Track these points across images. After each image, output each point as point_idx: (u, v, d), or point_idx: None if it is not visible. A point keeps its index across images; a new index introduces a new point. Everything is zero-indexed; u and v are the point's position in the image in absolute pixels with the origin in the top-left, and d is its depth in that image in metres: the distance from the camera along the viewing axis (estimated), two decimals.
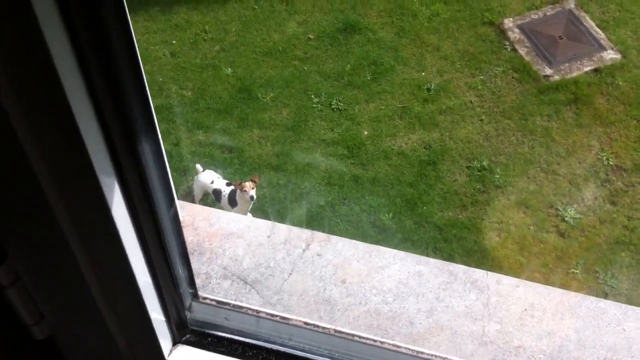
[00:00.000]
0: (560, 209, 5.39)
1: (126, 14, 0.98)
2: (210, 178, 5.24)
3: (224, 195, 5.14)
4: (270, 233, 1.87)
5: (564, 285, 4.97)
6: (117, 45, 0.95)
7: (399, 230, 5.28)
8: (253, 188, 4.98)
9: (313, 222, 5.31)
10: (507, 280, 1.76)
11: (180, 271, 1.35)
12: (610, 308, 1.74)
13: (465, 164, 5.69)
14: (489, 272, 1.75)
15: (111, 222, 1.10)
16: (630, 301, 4.93)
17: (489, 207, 5.45)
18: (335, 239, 1.90)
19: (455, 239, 5.25)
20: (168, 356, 1.43)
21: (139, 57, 1.10)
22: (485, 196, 5.50)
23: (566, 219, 5.33)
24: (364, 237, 5.22)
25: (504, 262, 5.13)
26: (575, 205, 5.43)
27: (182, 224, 1.74)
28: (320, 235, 1.88)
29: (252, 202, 5.04)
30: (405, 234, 5.27)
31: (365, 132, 5.87)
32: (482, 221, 5.36)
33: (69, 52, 0.90)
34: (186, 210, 1.98)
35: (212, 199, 5.29)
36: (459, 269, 1.79)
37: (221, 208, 5.29)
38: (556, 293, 1.78)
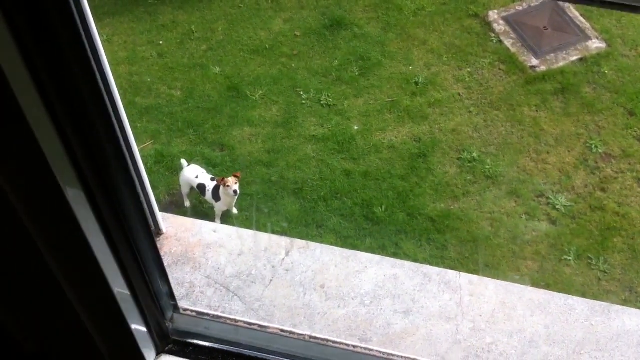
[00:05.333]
0: (551, 197, 5.46)
1: (87, 53, 1.03)
2: (194, 173, 5.31)
3: (208, 190, 5.23)
4: (251, 241, 1.94)
5: (558, 272, 5.05)
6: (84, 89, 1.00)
7: (392, 222, 5.35)
8: (236, 183, 5.06)
9: (306, 216, 5.38)
10: (479, 280, 1.82)
11: (160, 285, 1.42)
12: (578, 304, 1.81)
13: (456, 156, 5.76)
14: (461, 273, 1.82)
15: (88, 247, 1.17)
16: (623, 285, 5.01)
17: (480, 198, 5.51)
18: (314, 245, 1.97)
19: (448, 230, 5.32)
20: None
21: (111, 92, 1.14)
22: (477, 187, 5.57)
23: (557, 207, 5.40)
24: (357, 230, 5.29)
25: (497, 251, 5.20)
26: (565, 193, 5.50)
27: (165, 236, 1.81)
28: (299, 243, 1.94)
29: (236, 196, 5.12)
30: (398, 226, 5.34)
31: (355, 127, 5.92)
32: (474, 211, 5.43)
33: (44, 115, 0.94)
34: (169, 222, 2.05)
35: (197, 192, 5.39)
36: (433, 270, 1.86)
37: (206, 202, 5.38)
38: (526, 291, 1.85)
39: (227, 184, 5.05)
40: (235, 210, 5.38)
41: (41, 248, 1.16)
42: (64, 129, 1.04)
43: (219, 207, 5.29)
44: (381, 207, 5.38)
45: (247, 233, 2.07)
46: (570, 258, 5.10)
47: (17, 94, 0.93)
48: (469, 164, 5.67)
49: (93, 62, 1.07)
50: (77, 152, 1.08)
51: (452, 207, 5.42)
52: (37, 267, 1.19)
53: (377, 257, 1.92)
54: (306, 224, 5.34)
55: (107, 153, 1.17)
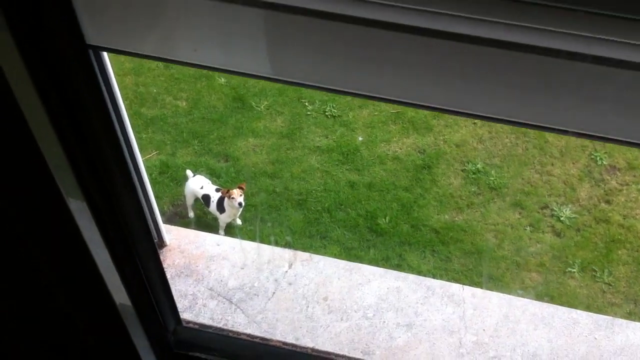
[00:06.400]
0: (555, 209, 5.45)
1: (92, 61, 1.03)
2: (199, 184, 5.31)
3: (213, 202, 5.22)
4: (254, 254, 1.95)
5: (562, 285, 5.03)
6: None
7: (395, 234, 5.34)
8: (241, 195, 5.05)
9: (310, 227, 5.38)
10: (483, 293, 1.82)
11: (163, 298, 1.42)
12: (582, 318, 1.80)
13: (460, 167, 5.76)
14: (465, 286, 1.81)
15: (91, 258, 1.17)
16: (627, 298, 4.99)
17: (484, 209, 5.51)
18: (317, 257, 1.97)
19: (452, 241, 5.31)
20: None
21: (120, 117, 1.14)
22: (481, 198, 5.56)
23: (562, 218, 5.39)
24: (361, 241, 5.29)
25: (501, 262, 5.19)
26: (570, 205, 5.49)
27: (169, 248, 1.81)
28: (302, 255, 1.94)
29: (241, 208, 5.12)
30: (402, 237, 5.33)
31: (360, 138, 5.93)
32: (478, 223, 5.42)
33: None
34: (173, 234, 2.05)
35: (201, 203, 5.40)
36: (436, 283, 1.86)
37: (210, 213, 5.38)
38: (530, 305, 1.85)
39: (231, 196, 5.04)
40: (239, 221, 5.38)
41: (42, 259, 1.16)
42: (67, 140, 1.04)
43: (223, 219, 5.29)
44: (385, 219, 5.38)
45: (251, 245, 2.07)
46: (574, 270, 5.08)
47: (20, 103, 0.93)
48: (473, 176, 5.67)
49: (99, 73, 1.07)
50: (80, 163, 1.08)
51: (456, 219, 5.41)
52: (38, 278, 1.20)
53: (380, 270, 1.92)
54: (310, 234, 5.34)
55: (110, 164, 1.17)
